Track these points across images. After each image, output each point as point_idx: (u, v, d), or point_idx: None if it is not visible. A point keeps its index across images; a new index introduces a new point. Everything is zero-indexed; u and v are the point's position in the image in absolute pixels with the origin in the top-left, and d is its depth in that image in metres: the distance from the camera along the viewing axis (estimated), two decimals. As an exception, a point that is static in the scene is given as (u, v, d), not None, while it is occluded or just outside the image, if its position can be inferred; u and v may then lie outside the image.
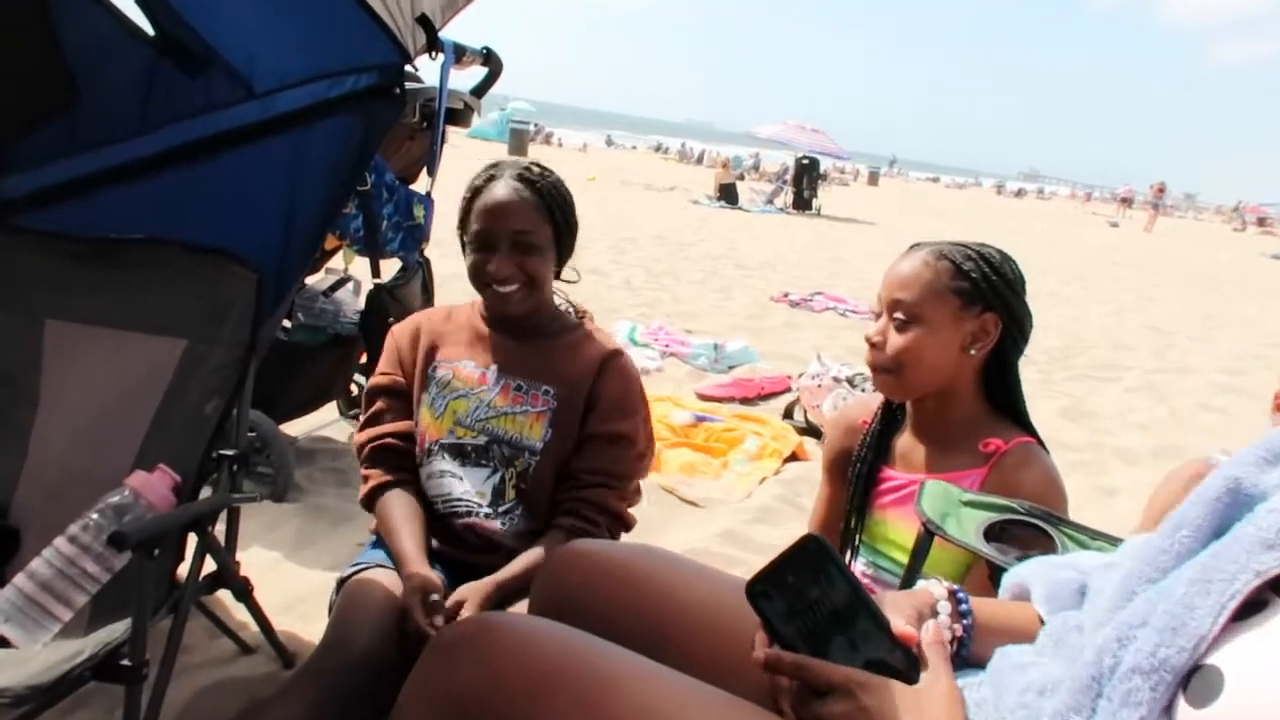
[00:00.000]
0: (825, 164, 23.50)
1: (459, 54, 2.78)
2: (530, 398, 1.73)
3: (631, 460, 1.76)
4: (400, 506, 1.69)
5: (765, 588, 0.92)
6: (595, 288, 7.09)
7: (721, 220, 15.32)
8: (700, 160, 40.04)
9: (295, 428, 3.22)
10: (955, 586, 1.05)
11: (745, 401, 4.56)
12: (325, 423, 3.37)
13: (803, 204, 19.22)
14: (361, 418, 1.81)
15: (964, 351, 1.62)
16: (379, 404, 1.78)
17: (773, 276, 9.19)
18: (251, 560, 2.39)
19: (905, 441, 1.77)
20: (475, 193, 1.73)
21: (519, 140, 25.34)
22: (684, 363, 5.16)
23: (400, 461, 1.75)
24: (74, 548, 1.45)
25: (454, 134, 3.09)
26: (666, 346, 5.34)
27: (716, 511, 3.22)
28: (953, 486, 1.49)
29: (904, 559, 1.68)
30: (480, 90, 3.03)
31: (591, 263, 8.30)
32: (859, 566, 1.80)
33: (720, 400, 4.51)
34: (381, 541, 1.72)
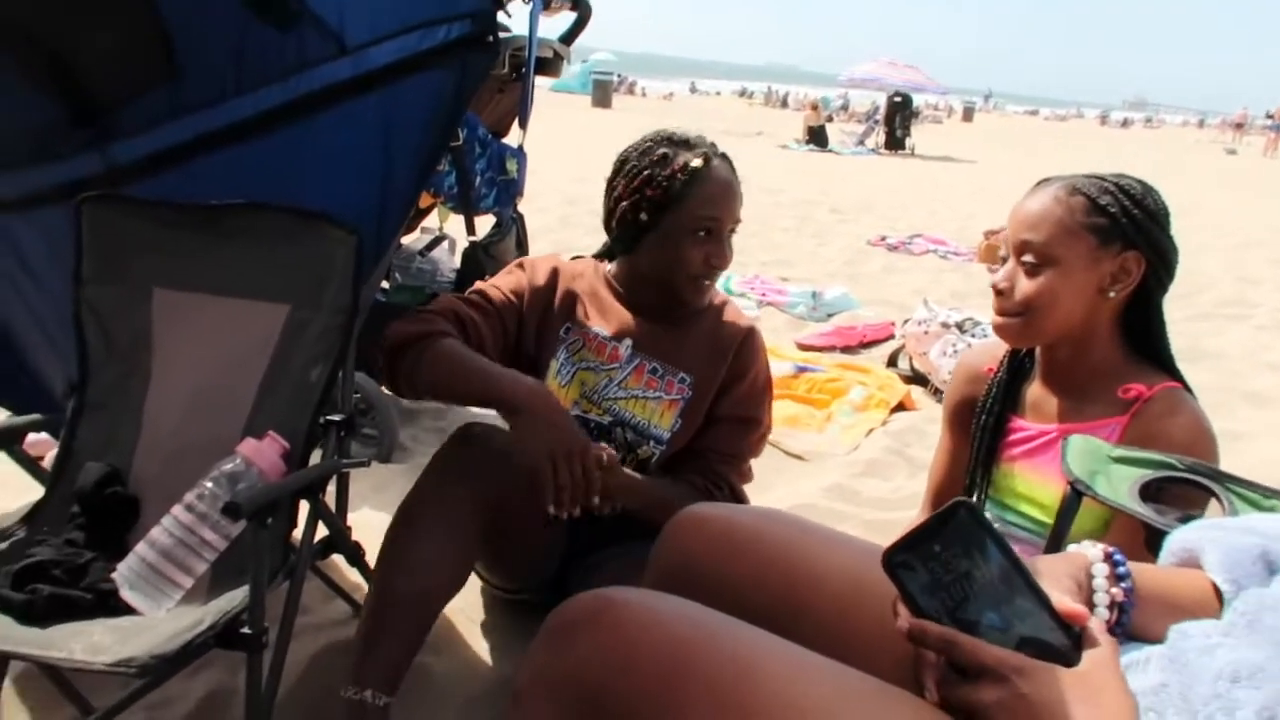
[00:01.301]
0: (918, 101, 22.70)
1: (547, 1, 2.70)
2: (665, 384, 1.64)
3: (756, 441, 1.74)
4: (465, 348, 1.51)
5: (906, 557, 0.84)
6: (686, 238, 6.97)
7: (812, 164, 14.96)
8: (785, 103, 39.22)
9: (397, 388, 3.23)
10: (1111, 549, 0.95)
11: (847, 350, 4.42)
12: (426, 382, 3.37)
13: (895, 144, 18.64)
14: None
15: (1102, 294, 1.49)
16: (479, 301, 1.63)
17: (868, 220, 8.92)
18: (361, 522, 2.40)
19: (1035, 390, 1.65)
20: (693, 176, 1.56)
21: (603, 92, 25.17)
22: (781, 312, 5.04)
23: (459, 332, 1.57)
24: (192, 516, 1.45)
25: (538, 87, 3.01)
26: (763, 296, 5.22)
27: (823, 465, 3.13)
28: (1101, 441, 1.37)
29: (1036, 514, 1.57)
30: (569, 37, 2.95)
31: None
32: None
33: (821, 349, 4.39)
34: None
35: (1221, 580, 0.92)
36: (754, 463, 3.00)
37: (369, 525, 2.42)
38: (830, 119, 25.88)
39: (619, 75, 35.17)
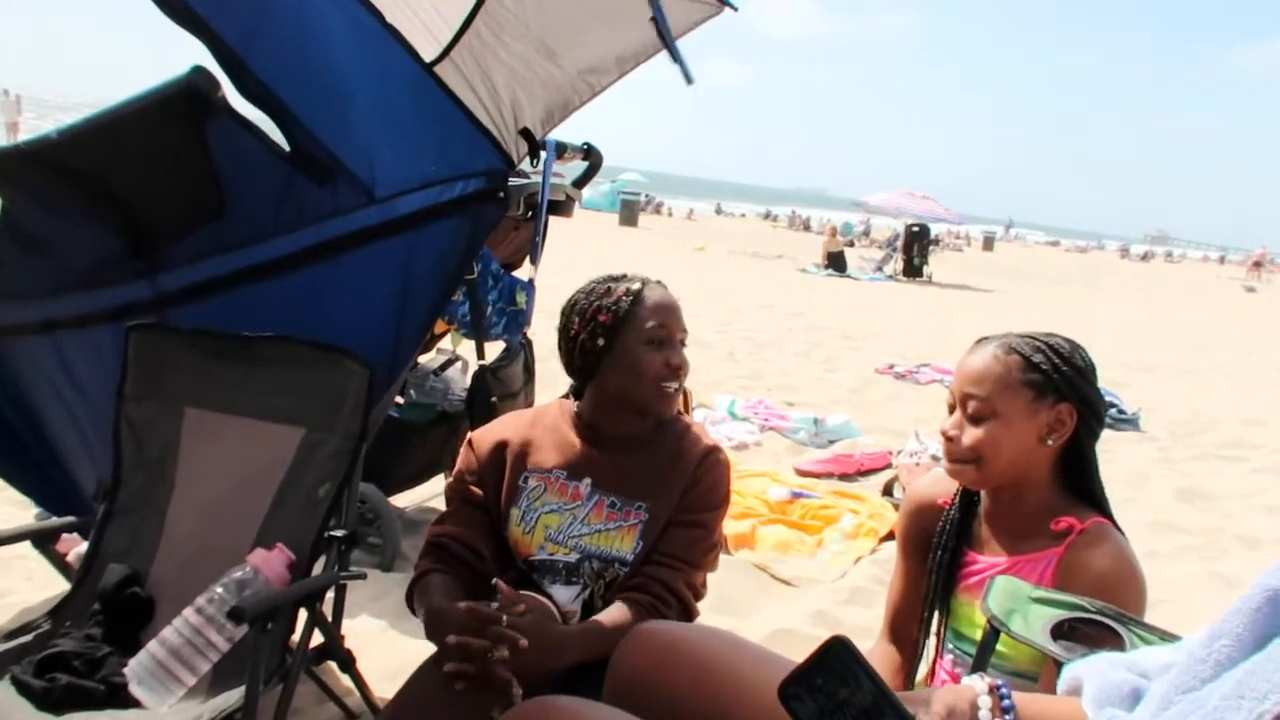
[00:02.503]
0: (939, 229, 23.23)
1: (560, 151, 2.96)
2: (623, 514, 1.76)
3: (705, 549, 1.79)
4: (439, 582, 1.69)
5: (796, 689, 0.98)
6: (698, 359, 7.17)
7: (829, 289, 15.30)
8: (809, 227, 40.09)
9: (404, 499, 3.40)
10: (999, 681, 1.08)
11: (844, 478, 4.55)
12: (433, 494, 3.54)
13: (913, 271, 19.01)
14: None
15: (1041, 442, 1.63)
16: (452, 505, 1.83)
17: (879, 347, 9.13)
18: (358, 628, 2.53)
19: (985, 524, 1.78)
20: (635, 296, 1.77)
21: (630, 211, 25.95)
22: (783, 437, 5.19)
23: (451, 559, 1.76)
24: (201, 618, 1.61)
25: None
26: (766, 420, 5.38)
27: (809, 591, 3.23)
28: (1023, 583, 1.50)
29: (1029, 668, 1.68)
30: (581, 182, 3.22)
31: (695, 333, 8.43)
32: (947, 656, 1.80)
33: (819, 476, 4.52)
34: None
35: (1091, 710, 1.05)
36: (744, 587, 3.15)
37: (365, 632, 2.56)
38: (851, 244, 26.43)
39: (646, 195, 36.27)
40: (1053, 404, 1.62)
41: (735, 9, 1.79)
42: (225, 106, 2.03)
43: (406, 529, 3.26)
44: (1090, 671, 1.13)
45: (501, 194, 2.20)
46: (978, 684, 1.09)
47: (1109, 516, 1.67)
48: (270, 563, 1.67)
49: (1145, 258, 55.06)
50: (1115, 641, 1.40)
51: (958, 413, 1.70)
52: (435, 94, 2.08)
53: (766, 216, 50.40)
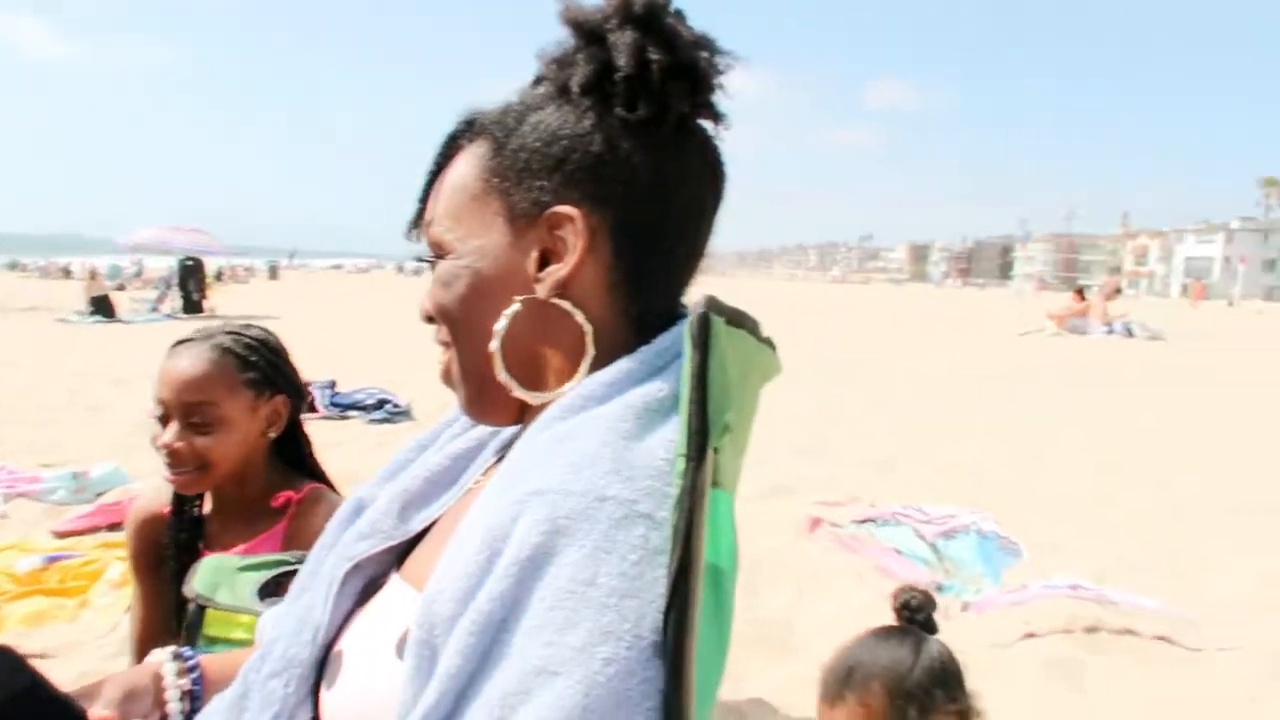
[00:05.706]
0: (219, 262, 22.46)
1: None
2: None
3: None
4: None
5: None
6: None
7: (94, 336, 13.89)
8: (69, 273, 35.84)
9: None
10: (182, 649, 1.10)
11: (114, 527, 4.13)
12: None
13: (193, 307, 18.17)
14: None
15: (263, 435, 1.70)
16: None
17: (151, 388, 8.52)
18: None
19: (215, 522, 1.78)
20: None
21: None
22: (37, 501, 4.53)
23: None
24: None
25: None
26: (12, 488, 4.63)
27: (74, 655, 2.88)
28: (228, 556, 1.54)
29: (244, 635, 1.69)
30: None
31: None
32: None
33: (83, 533, 4.06)
34: None
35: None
36: None
37: None
38: (122, 287, 24.33)
39: None
40: (269, 397, 1.69)
41: None
42: None
43: None
44: (271, 615, 1.20)
45: None
46: (160, 654, 1.09)
47: (324, 479, 1.80)
48: None
49: (418, 273, 60.61)
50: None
51: (175, 424, 1.66)
52: None
53: (14, 267, 43.52)
